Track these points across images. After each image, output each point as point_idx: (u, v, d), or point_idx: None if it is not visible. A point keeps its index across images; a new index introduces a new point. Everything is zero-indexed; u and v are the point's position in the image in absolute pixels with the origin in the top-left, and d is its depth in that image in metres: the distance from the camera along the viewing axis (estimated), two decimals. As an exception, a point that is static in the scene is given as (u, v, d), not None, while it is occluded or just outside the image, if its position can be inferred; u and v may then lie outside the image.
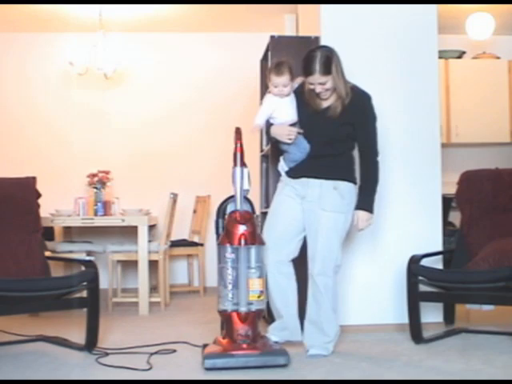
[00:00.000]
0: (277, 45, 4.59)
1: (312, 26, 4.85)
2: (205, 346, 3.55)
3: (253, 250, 3.50)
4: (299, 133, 3.71)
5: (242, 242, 3.48)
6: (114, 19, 6.22)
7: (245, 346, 3.37)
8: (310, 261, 3.77)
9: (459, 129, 6.60)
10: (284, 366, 3.38)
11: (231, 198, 3.67)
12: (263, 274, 3.54)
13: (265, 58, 4.93)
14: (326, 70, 3.61)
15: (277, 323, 3.87)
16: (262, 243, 3.55)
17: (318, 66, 3.60)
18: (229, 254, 3.50)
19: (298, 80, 3.85)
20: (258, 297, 3.47)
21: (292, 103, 3.77)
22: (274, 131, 3.78)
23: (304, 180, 3.76)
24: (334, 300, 3.76)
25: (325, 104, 3.74)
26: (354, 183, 3.79)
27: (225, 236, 3.58)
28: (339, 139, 3.73)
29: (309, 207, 3.74)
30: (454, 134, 6.62)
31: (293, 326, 3.83)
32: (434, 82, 4.60)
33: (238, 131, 3.66)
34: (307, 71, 3.65)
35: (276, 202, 3.90)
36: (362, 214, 3.72)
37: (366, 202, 3.73)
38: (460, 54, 6.80)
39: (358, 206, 3.72)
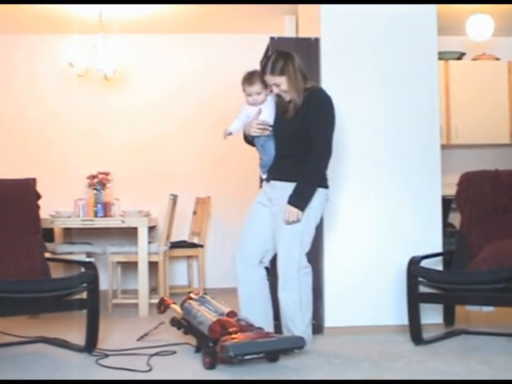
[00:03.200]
0: (276, 46, 4.57)
1: (312, 28, 4.85)
2: (206, 352, 3.51)
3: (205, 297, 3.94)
4: (267, 134, 3.84)
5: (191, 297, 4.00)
6: (113, 20, 6.22)
7: (260, 333, 3.41)
8: (277, 268, 3.85)
9: (459, 130, 6.60)
10: (301, 348, 3.42)
11: None
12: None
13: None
14: (277, 71, 3.75)
15: None
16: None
17: (269, 66, 3.77)
18: (195, 304, 3.88)
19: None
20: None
21: (269, 106, 3.91)
22: (245, 129, 3.95)
23: (272, 183, 3.89)
24: (302, 298, 3.78)
25: (288, 110, 3.82)
26: (319, 186, 3.79)
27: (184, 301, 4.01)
28: (298, 138, 3.77)
29: (274, 211, 3.82)
30: (453, 135, 6.61)
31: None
32: (433, 83, 4.60)
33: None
34: (261, 71, 3.88)
35: (249, 210, 4.01)
36: (289, 208, 3.69)
37: (295, 197, 3.70)
38: (460, 56, 6.80)
39: (288, 200, 3.71)
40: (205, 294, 4.02)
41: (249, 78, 3.90)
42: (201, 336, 3.66)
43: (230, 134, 3.97)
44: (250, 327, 3.52)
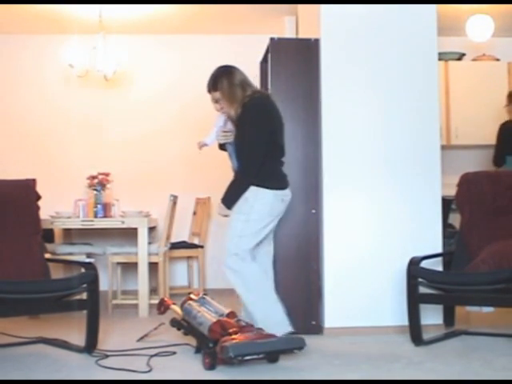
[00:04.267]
0: (276, 47, 4.59)
1: (312, 28, 4.85)
2: (206, 353, 3.51)
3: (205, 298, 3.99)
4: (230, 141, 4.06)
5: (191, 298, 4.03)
6: (113, 21, 6.22)
7: (260, 334, 3.41)
8: None
9: (459, 131, 6.60)
10: (301, 348, 3.42)
11: None
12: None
13: (265, 60, 4.93)
14: (211, 87, 4.03)
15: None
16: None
17: (207, 83, 4.06)
18: (192, 302, 3.92)
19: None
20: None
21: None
22: (215, 138, 4.20)
23: None
24: (237, 282, 3.92)
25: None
26: (265, 187, 3.91)
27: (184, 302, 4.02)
28: (239, 142, 3.97)
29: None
30: (453, 135, 6.62)
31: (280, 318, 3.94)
32: (433, 83, 4.60)
33: None
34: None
35: None
36: (219, 205, 4.03)
37: (223, 196, 4.00)
38: (460, 56, 6.80)
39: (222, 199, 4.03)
40: (205, 294, 4.02)
41: (208, 85, 4.10)
42: (201, 337, 3.66)
43: (206, 145, 4.24)
44: (249, 328, 3.52)
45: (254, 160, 3.89)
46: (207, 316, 3.66)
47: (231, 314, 3.67)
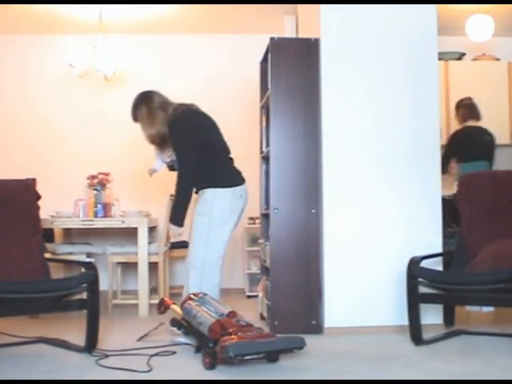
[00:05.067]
0: (276, 46, 4.59)
1: (312, 28, 4.86)
2: (207, 352, 3.51)
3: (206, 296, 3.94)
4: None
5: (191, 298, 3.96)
6: (113, 21, 6.23)
7: (260, 334, 3.41)
8: None
9: (459, 130, 6.59)
10: (301, 348, 3.42)
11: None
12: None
13: (265, 60, 4.93)
14: (133, 117, 4.31)
15: None
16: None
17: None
18: (192, 302, 3.88)
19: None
20: None
21: None
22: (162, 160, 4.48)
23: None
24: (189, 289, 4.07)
25: None
26: (220, 187, 4.08)
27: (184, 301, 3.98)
28: (175, 156, 4.14)
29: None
30: (453, 135, 6.61)
31: None
32: (433, 83, 4.60)
33: None
34: None
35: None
36: (169, 226, 4.19)
37: (171, 215, 4.17)
38: (460, 56, 6.80)
39: (169, 219, 4.18)
40: (205, 294, 4.02)
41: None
42: (201, 336, 3.66)
43: (155, 170, 4.55)
44: (249, 327, 3.52)
45: (186, 173, 4.05)
46: (207, 316, 3.66)
47: (231, 314, 3.67)
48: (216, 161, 4.16)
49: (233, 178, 4.18)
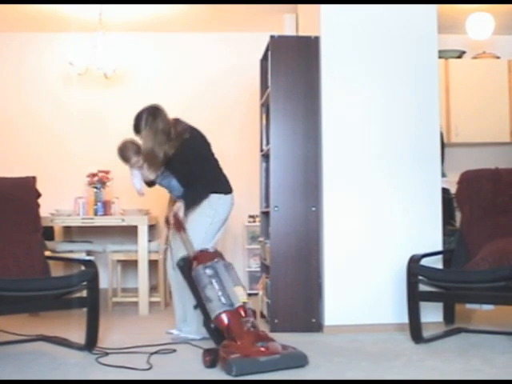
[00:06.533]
0: (276, 45, 4.59)
1: (312, 26, 4.85)
2: (207, 350, 3.52)
3: (230, 265, 3.79)
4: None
5: (216, 259, 3.77)
6: (113, 19, 6.22)
7: (263, 349, 3.34)
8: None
9: (459, 129, 6.59)
10: (302, 366, 3.40)
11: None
12: (241, 282, 3.74)
13: (265, 58, 4.93)
14: (136, 129, 4.44)
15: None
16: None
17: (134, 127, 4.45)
18: (207, 270, 3.68)
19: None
20: (247, 299, 3.60)
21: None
22: (144, 179, 4.64)
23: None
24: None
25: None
26: (223, 193, 4.27)
27: (195, 263, 3.77)
28: (186, 171, 4.29)
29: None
30: (453, 133, 6.61)
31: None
32: (433, 81, 4.60)
33: None
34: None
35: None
36: (178, 206, 4.23)
37: (189, 204, 4.23)
38: (460, 54, 6.80)
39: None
40: (221, 257, 3.82)
41: (123, 157, 4.66)
42: (205, 312, 3.61)
43: (140, 191, 4.74)
44: (254, 334, 3.44)
45: (201, 178, 4.24)
46: (216, 299, 3.54)
47: (241, 309, 3.55)
48: (219, 170, 4.37)
49: (229, 186, 4.38)
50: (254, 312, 3.60)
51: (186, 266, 3.85)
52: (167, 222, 4.32)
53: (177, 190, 4.43)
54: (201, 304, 3.67)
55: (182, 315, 4.33)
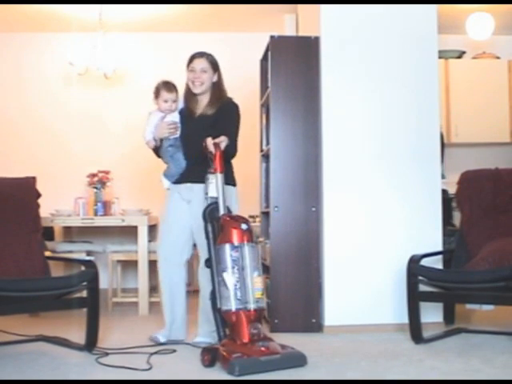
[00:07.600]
0: (276, 45, 4.59)
1: (312, 26, 4.85)
2: (205, 349, 3.52)
3: (255, 248, 3.54)
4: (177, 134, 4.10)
5: (246, 239, 3.49)
6: (114, 19, 6.22)
7: (263, 349, 3.33)
8: (203, 258, 3.95)
9: (459, 129, 6.60)
10: (301, 366, 3.40)
11: (214, 203, 3.71)
12: (262, 272, 3.59)
13: (265, 58, 4.93)
14: (212, 63, 4.13)
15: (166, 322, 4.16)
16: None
17: (207, 54, 4.15)
18: (233, 253, 3.46)
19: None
20: (262, 294, 3.49)
21: (175, 116, 4.17)
22: (156, 133, 4.13)
23: (189, 185, 4.07)
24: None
25: (199, 110, 4.12)
26: (233, 185, 4.07)
27: (224, 237, 3.52)
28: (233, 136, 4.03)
29: (197, 211, 3.90)
30: (453, 133, 6.62)
31: (179, 325, 4.15)
32: (433, 82, 4.60)
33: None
34: (195, 55, 4.19)
35: (168, 210, 4.22)
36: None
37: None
38: (460, 54, 6.80)
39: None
40: (249, 233, 3.52)
41: (168, 86, 4.22)
42: (213, 295, 3.55)
43: (151, 141, 4.22)
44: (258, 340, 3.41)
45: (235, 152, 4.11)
46: (231, 289, 3.40)
47: (254, 314, 3.43)
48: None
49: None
50: (263, 310, 3.58)
51: (210, 215, 3.67)
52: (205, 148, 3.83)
53: (177, 165, 4.15)
54: (213, 279, 3.56)
55: (171, 319, 4.17)
